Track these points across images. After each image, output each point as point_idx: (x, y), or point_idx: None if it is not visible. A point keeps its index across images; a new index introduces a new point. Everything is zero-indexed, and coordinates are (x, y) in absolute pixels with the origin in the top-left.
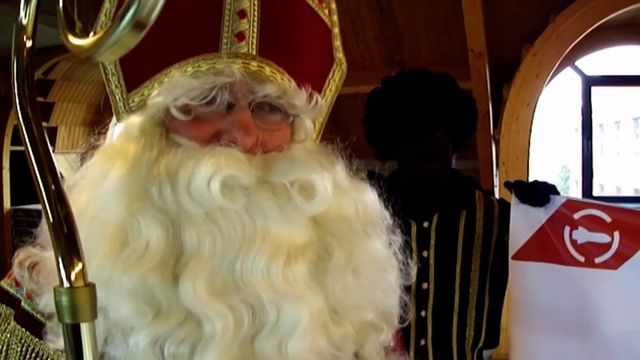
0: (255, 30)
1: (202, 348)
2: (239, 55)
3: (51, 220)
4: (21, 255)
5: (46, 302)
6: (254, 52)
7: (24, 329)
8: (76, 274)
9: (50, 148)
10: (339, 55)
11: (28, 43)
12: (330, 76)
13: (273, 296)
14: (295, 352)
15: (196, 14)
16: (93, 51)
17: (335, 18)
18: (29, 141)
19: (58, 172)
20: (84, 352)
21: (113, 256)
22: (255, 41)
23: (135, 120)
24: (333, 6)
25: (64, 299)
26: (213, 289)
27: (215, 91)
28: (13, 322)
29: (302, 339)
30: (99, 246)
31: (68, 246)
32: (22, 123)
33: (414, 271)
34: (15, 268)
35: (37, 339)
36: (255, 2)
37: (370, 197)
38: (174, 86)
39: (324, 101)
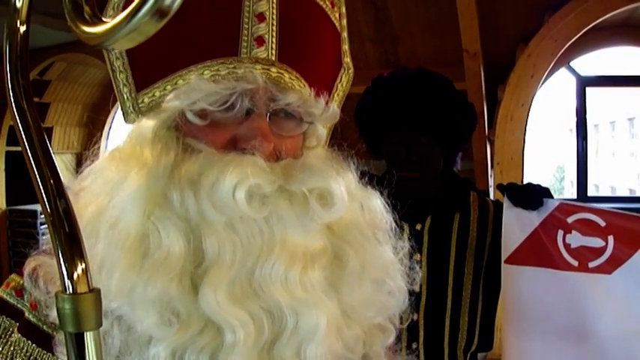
0: (274, 34)
1: (225, 356)
2: (259, 61)
3: (50, 216)
4: (32, 263)
5: None
6: (273, 58)
7: (30, 342)
8: (78, 276)
9: (47, 139)
10: (347, 59)
11: (22, 28)
12: (338, 81)
13: (291, 303)
14: (314, 357)
15: (214, 15)
16: (106, 38)
17: (344, 22)
18: (24, 132)
19: (55, 164)
20: None
21: (135, 266)
22: (274, 46)
23: (147, 123)
24: (344, 10)
25: (67, 307)
26: (233, 297)
27: (235, 97)
28: (17, 335)
29: (321, 344)
30: (120, 256)
31: (70, 245)
32: (15, 114)
33: (419, 276)
34: (25, 277)
35: (44, 351)
36: (274, 5)
37: (377, 203)
38: (192, 90)
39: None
